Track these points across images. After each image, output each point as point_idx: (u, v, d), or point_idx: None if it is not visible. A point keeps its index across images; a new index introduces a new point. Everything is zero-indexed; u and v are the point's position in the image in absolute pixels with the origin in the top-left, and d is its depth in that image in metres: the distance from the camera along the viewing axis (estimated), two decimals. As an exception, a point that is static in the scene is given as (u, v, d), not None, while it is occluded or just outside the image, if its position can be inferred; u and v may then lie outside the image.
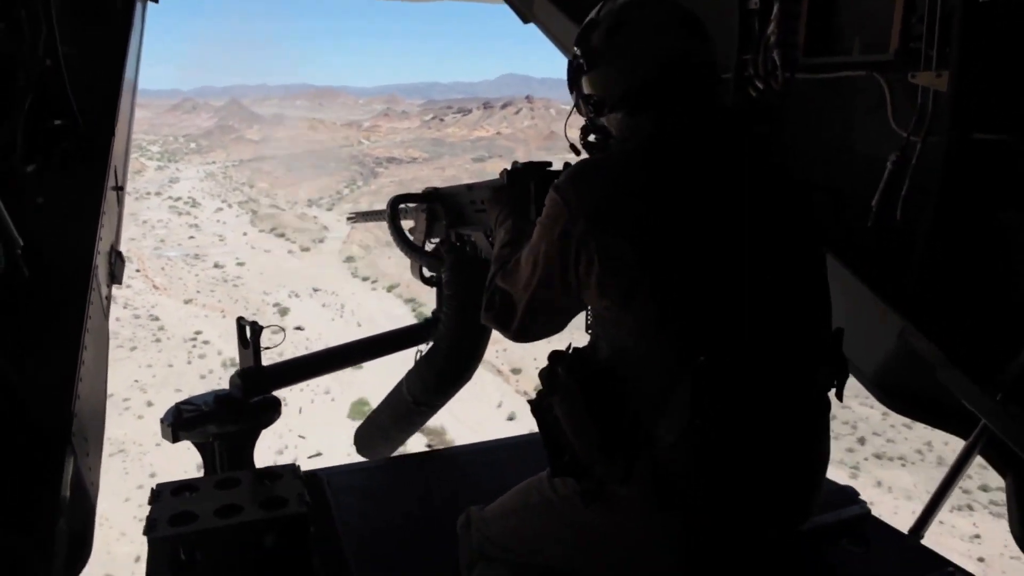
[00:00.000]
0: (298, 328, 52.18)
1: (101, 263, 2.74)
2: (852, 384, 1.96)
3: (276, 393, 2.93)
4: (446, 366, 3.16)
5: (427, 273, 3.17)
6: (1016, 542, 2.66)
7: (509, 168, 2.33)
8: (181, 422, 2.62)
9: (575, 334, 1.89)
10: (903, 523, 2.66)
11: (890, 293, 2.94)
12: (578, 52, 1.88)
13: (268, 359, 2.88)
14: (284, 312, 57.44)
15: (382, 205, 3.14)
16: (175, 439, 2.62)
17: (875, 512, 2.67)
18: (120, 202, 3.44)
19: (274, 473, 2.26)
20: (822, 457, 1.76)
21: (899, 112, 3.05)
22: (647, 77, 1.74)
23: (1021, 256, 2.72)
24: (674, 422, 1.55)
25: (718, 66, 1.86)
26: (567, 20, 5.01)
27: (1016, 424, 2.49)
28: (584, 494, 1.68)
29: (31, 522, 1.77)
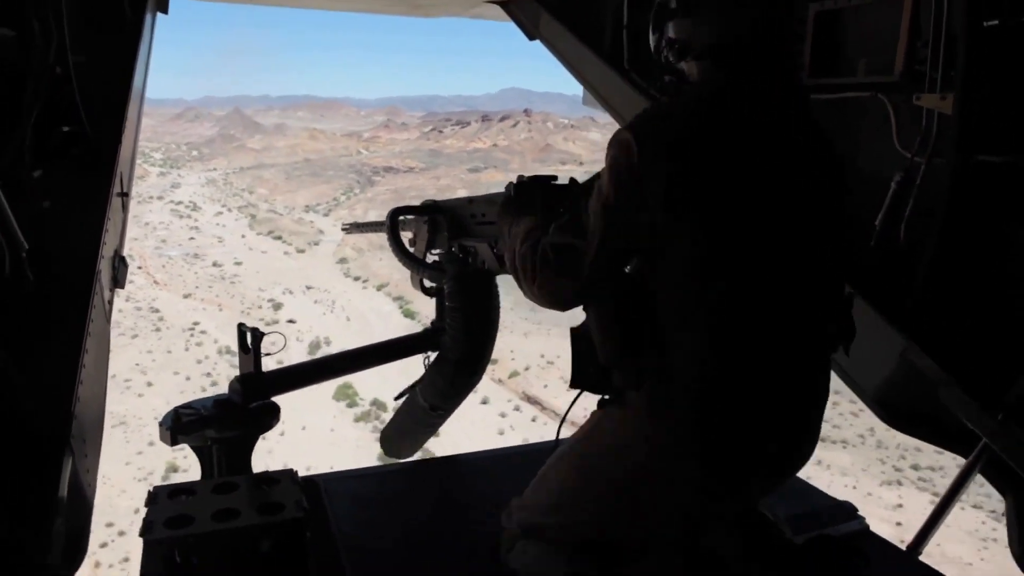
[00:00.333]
0: (290, 321, 55.63)
1: (104, 267, 2.75)
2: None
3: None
4: (456, 374, 3.18)
5: (427, 284, 3.18)
6: (1016, 562, 2.64)
7: (515, 181, 2.38)
8: (180, 426, 2.61)
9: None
10: (837, 494, 2.73)
11: (893, 312, 2.94)
12: None
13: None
14: (278, 307, 60.26)
15: (377, 211, 3.19)
16: (174, 443, 2.61)
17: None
18: (125, 208, 3.46)
19: (271, 478, 2.25)
20: (822, 389, 1.95)
21: (903, 133, 3.07)
22: (739, 33, 1.88)
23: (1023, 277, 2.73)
24: (688, 338, 1.77)
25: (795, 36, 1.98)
26: (573, 38, 5.06)
27: (1017, 444, 2.48)
28: (600, 402, 1.97)
29: (29, 521, 1.77)
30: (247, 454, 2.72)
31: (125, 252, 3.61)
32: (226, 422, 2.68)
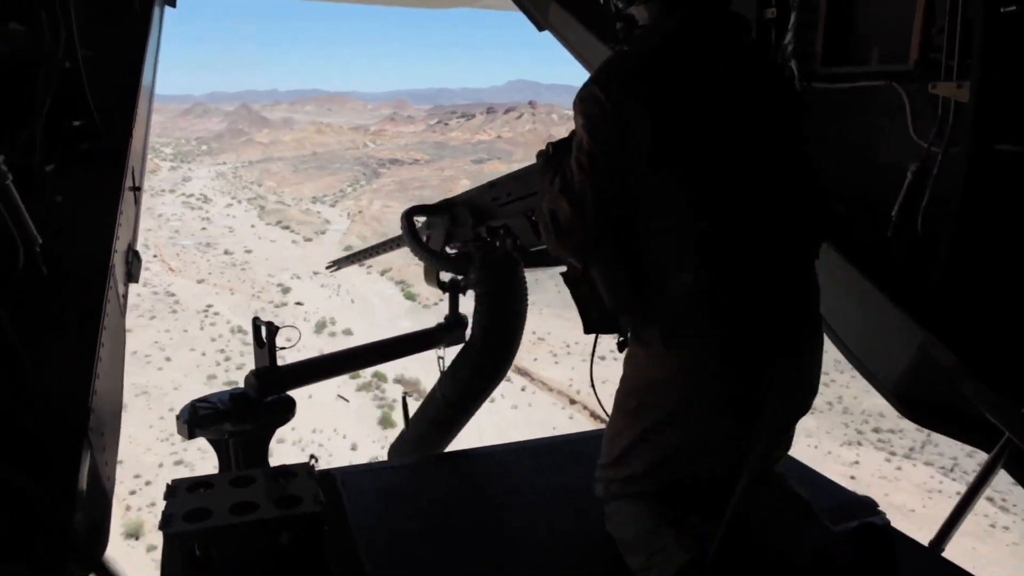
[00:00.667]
0: (298, 303, 60.29)
1: (118, 262, 2.75)
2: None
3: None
4: (482, 363, 3.17)
5: (444, 278, 3.17)
6: None
7: (545, 148, 2.41)
8: (197, 419, 2.62)
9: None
10: (797, 453, 2.76)
11: (910, 304, 2.91)
12: None
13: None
14: (286, 291, 64.43)
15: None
16: (191, 436, 2.62)
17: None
18: (137, 202, 3.46)
19: (289, 471, 2.25)
20: (812, 283, 2.11)
21: (919, 122, 3.03)
22: None
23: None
24: (683, 276, 1.92)
25: None
26: (582, 28, 5.04)
27: None
28: (619, 344, 2.13)
29: (49, 514, 1.77)
30: (264, 447, 2.73)
31: (140, 243, 3.62)
32: (242, 416, 2.69)
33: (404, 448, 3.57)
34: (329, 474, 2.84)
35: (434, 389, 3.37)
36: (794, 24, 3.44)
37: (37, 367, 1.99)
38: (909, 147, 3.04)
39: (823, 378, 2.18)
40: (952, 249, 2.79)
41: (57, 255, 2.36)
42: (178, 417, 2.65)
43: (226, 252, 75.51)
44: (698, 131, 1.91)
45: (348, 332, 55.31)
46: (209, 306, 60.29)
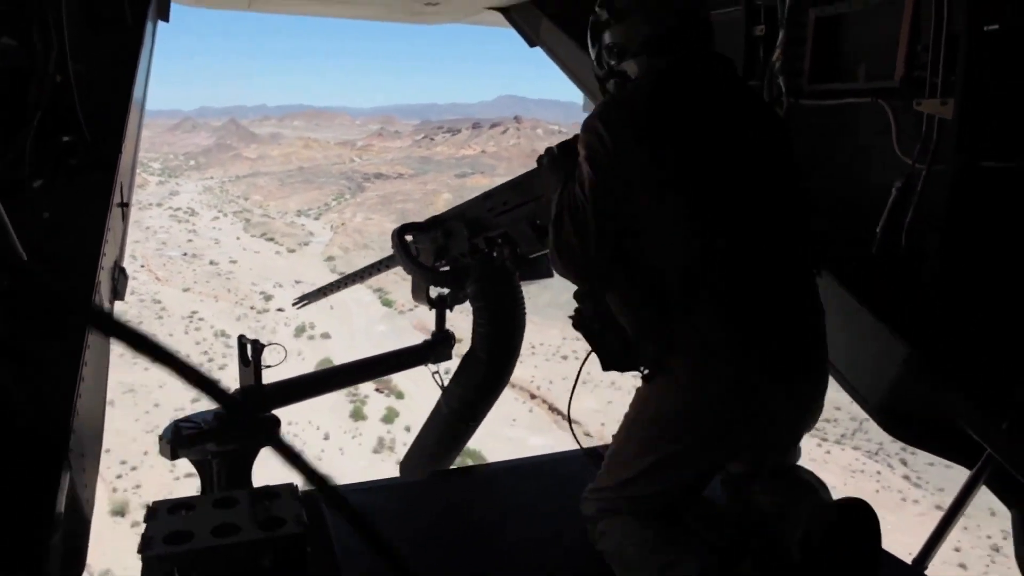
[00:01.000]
0: (279, 310, 63.61)
1: (104, 279, 2.74)
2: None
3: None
4: (487, 373, 3.18)
5: (433, 294, 3.17)
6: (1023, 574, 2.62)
7: (548, 150, 2.49)
8: (180, 439, 2.60)
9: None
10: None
11: (895, 320, 2.92)
12: (601, 11, 2.30)
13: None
14: (268, 298, 68.29)
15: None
16: (174, 456, 2.60)
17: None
18: (125, 219, 3.45)
19: (272, 492, 2.23)
20: (816, 303, 2.19)
21: (904, 139, 3.05)
22: (669, 25, 2.18)
23: (1027, 284, 2.71)
24: (705, 293, 1.97)
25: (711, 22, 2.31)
26: (573, 44, 5.06)
27: (1023, 455, 2.46)
28: (645, 377, 2.12)
29: (26, 536, 1.75)
30: (247, 468, 2.70)
31: (127, 254, 3.60)
32: (226, 435, 2.67)
33: (416, 464, 3.57)
34: (313, 495, 2.82)
35: (439, 404, 3.38)
36: (782, 41, 3.47)
37: (18, 385, 1.97)
38: (894, 164, 3.05)
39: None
40: (936, 265, 2.80)
41: (42, 271, 2.35)
42: (161, 437, 2.63)
43: (211, 263, 79.39)
44: (699, 157, 2.03)
45: (326, 336, 60.34)
46: (194, 312, 64.32)
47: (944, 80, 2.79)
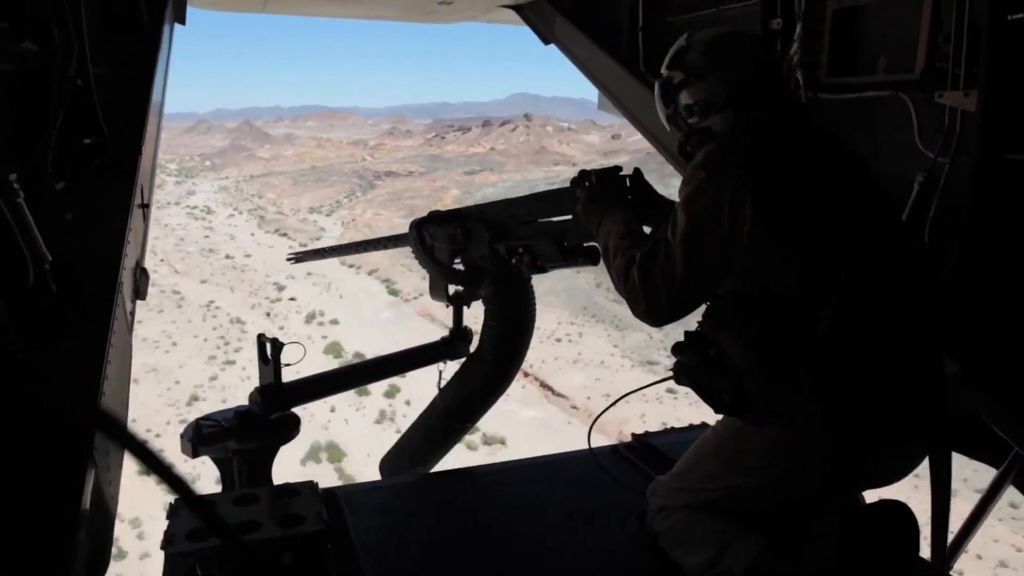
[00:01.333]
0: (292, 299, 69.27)
1: (126, 279, 2.77)
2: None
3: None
4: (492, 374, 3.19)
5: (451, 291, 3.17)
6: None
7: (583, 175, 2.47)
8: (201, 438, 2.62)
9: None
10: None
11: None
12: (674, 73, 2.31)
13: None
14: (281, 288, 72.96)
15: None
16: (195, 455, 2.62)
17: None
18: (145, 219, 3.49)
19: (292, 490, 2.25)
20: (935, 378, 2.10)
21: (926, 133, 3.01)
22: (748, 76, 2.21)
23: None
24: (828, 323, 1.93)
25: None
26: (588, 41, 5.05)
27: None
28: (756, 419, 2.06)
29: (52, 534, 1.77)
30: (268, 465, 2.72)
31: (147, 249, 3.64)
32: (246, 434, 2.69)
33: (398, 460, 3.56)
34: (332, 492, 2.83)
35: (435, 401, 3.37)
36: (800, 35, 3.43)
37: (44, 384, 2.00)
38: (916, 158, 3.01)
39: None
40: (960, 260, 2.76)
41: (66, 272, 2.37)
42: (182, 436, 2.65)
43: (227, 256, 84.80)
44: (810, 205, 2.00)
45: (335, 322, 64.30)
46: (211, 302, 68.59)
47: (967, 71, 2.75)
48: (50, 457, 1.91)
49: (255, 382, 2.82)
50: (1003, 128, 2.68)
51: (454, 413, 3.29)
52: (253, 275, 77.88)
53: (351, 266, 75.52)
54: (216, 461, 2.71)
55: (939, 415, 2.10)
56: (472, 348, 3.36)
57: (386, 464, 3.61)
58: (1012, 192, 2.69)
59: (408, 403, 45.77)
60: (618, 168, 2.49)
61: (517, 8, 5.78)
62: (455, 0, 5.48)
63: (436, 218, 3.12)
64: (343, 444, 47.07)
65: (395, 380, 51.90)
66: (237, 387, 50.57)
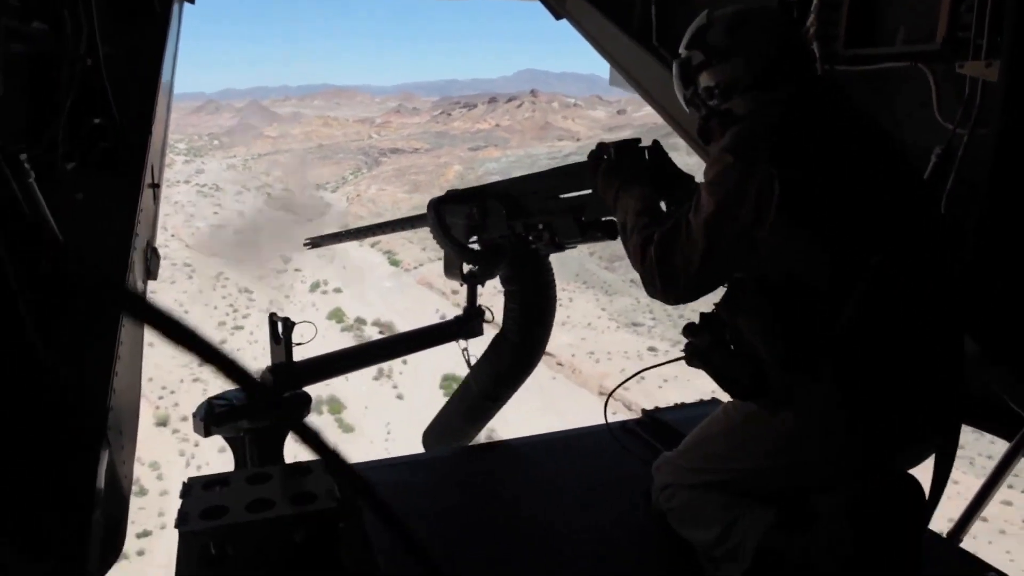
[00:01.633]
0: (297, 270, 71.47)
1: (137, 259, 2.78)
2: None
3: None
4: (519, 355, 3.21)
5: (466, 269, 3.15)
6: None
7: (598, 148, 2.43)
8: (213, 417, 2.63)
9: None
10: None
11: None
12: (693, 53, 2.23)
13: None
14: (287, 260, 74.28)
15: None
16: (207, 433, 2.64)
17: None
18: (156, 199, 3.49)
19: (304, 468, 2.26)
20: (956, 367, 2.03)
21: (945, 104, 2.94)
22: (772, 57, 2.11)
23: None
24: (854, 311, 1.86)
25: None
26: (600, 16, 4.97)
27: None
28: (771, 405, 2.01)
29: (68, 513, 1.80)
30: (280, 444, 2.73)
31: (159, 225, 3.65)
32: (259, 412, 2.70)
33: (441, 437, 3.64)
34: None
35: (468, 382, 3.42)
36: (817, 5, 3.36)
37: (57, 366, 2.01)
38: (934, 129, 2.95)
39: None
40: (978, 233, 2.71)
41: (77, 253, 2.39)
42: (194, 415, 2.67)
43: (236, 231, 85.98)
44: (840, 186, 1.94)
45: (338, 290, 68.38)
46: (220, 273, 71.21)
47: (989, 41, 2.68)
48: (64, 438, 1.93)
49: (262, 345, 2.83)
50: (1025, 99, 2.61)
51: (486, 393, 3.35)
52: (260, 248, 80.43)
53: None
54: (228, 440, 2.73)
55: (956, 399, 2.05)
56: (486, 327, 3.38)
57: (428, 438, 3.70)
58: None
59: (404, 362, 47.14)
60: (637, 140, 2.43)
61: (528, -18, 5.70)
62: (465, -26, 5.40)
63: (454, 197, 3.10)
64: (343, 398, 49.87)
65: (395, 339, 57.16)
66: (245, 349, 53.84)
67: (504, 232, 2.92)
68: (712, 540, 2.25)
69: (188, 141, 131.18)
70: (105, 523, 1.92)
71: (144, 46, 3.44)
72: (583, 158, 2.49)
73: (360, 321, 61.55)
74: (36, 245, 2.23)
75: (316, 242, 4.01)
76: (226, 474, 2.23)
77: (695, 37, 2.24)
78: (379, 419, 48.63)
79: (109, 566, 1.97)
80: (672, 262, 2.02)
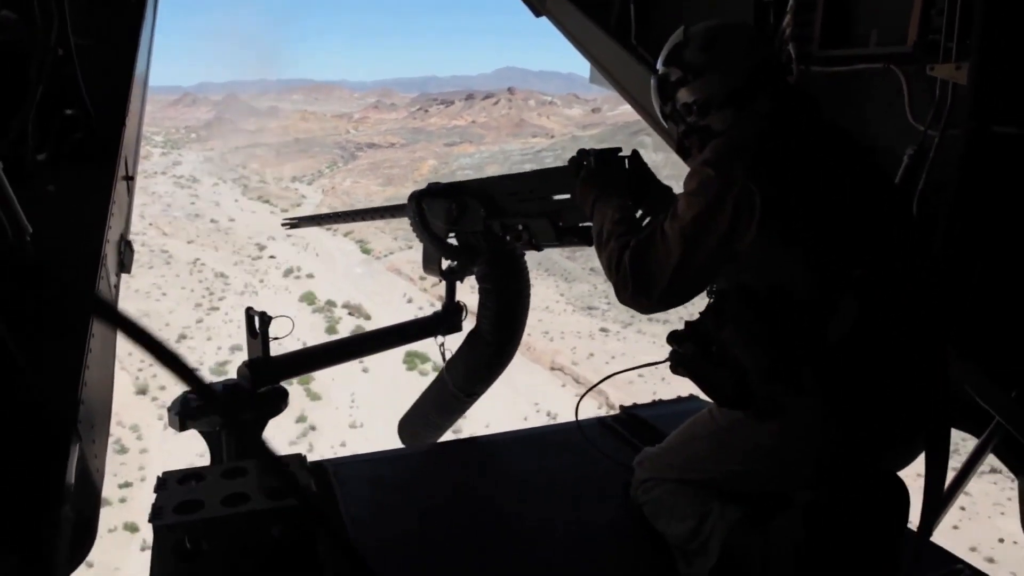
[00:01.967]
0: (271, 256, 76.05)
1: (110, 252, 2.74)
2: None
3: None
4: (493, 352, 3.21)
5: (445, 265, 3.15)
6: None
7: (581, 155, 2.43)
8: (188, 411, 2.61)
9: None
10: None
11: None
12: (670, 69, 2.24)
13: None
14: (262, 247, 79.45)
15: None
16: (182, 428, 2.61)
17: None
18: (130, 192, 3.44)
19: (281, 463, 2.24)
20: (938, 376, 2.07)
21: (916, 105, 3.00)
22: (747, 75, 2.13)
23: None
24: (841, 323, 1.89)
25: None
26: (580, 15, 4.98)
27: None
28: (758, 414, 2.01)
29: (37, 508, 1.77)
30: (256, 438, 2.71)
31: (136, 214, 3.60)
32: (235, 407, 2.68)
33: (415, 429, 3.65)
34: (321, 465, 2.84)
35: (442, 377, 3.42)
36: (792, 6, 3.40)
37: (26, 358, 1.98)
38: (906, 130, 3.01)
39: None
40: (948, 232, 2.76)
41: (48, 245, 2.34)
42: (169, 409, 2.64)
43: (212, 220, 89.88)
44: (819, 200, 1.97)
45: (311, 276, 71.20)
46: (197, 259, 74.96)
47: (959, 44, 2.74)
48: (33, 431, 1.90)
49: (237, 325, 2.82)
50: (994, 101, 2.67)
51: (461, 389, 3.36)
52: (236, 236, 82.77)
53: (328, 228, 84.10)
54: (204, 435, 2.70)
55: (943, 402, 2.08)
56: (465, 323, 3.38)
57: (403, 429, 3.71)
58: (1001, 165, 2.69)
59: (372, 331, 52.00)
60: (617, 149, 2.45)
61: (508, -21, 5.69)
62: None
63: (434, 191, 3.09)
64: (318, 382, 50.52)
65: (363, 324, 57.34)
66: (220, 328, 56.90)
67: (479, 229, 2.92)
68: (686, 534, 2.28)
69: (165, 134, 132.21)
70: (75, 518, 1.89)
71: (118, 36, 3.39)
72: (555, 155, 2.50)
73: (331, 304, 64.57)
74: (3, 238, 2.19)
75: (295, 223, 3.99)
76: (202, 468, 2.21)
77: (671, 54, 2.26)
78: (345, 389, 49.11)
79: (78, 563, 1.94)
80: (647, 269, 2.03)
